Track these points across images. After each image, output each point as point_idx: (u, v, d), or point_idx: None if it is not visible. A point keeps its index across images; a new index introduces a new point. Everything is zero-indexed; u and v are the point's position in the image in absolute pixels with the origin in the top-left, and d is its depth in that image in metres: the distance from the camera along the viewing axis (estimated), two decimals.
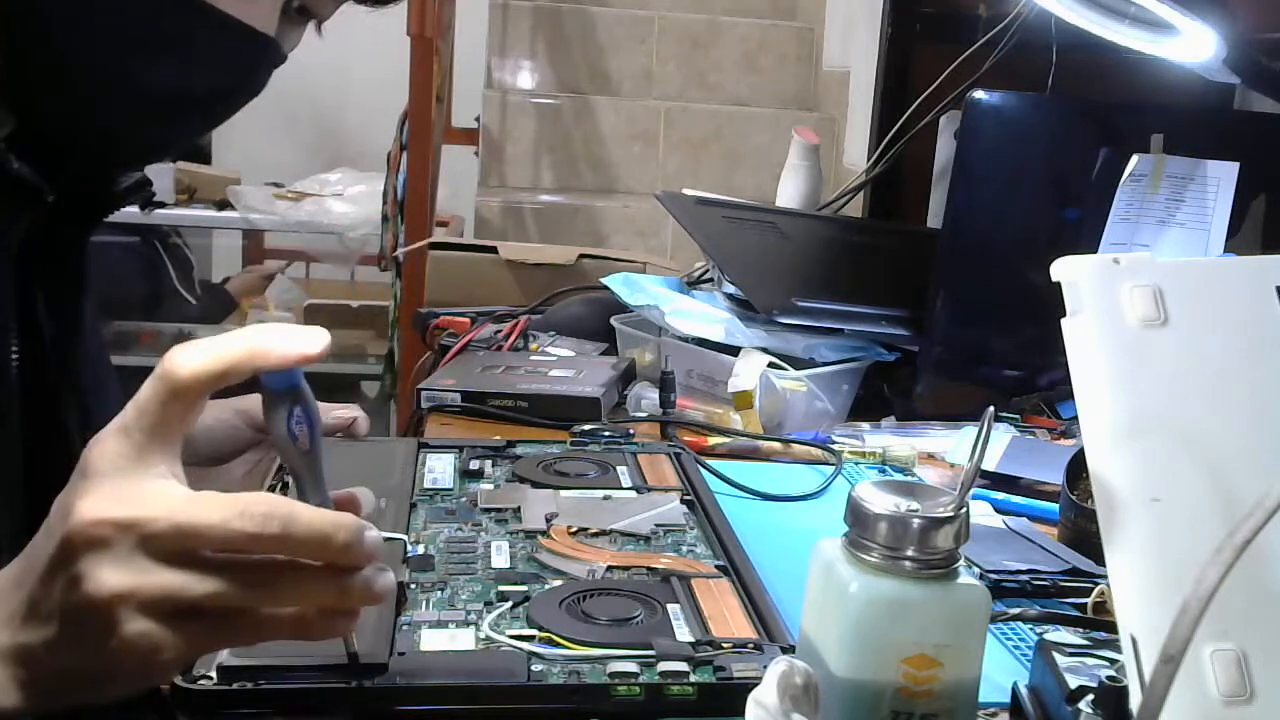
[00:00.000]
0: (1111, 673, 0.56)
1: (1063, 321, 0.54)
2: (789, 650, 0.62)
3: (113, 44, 0.66)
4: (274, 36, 0.70)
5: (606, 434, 1.01)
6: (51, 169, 0.70)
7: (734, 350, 1.16)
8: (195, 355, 0.51)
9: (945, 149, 1.49)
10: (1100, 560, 0.74)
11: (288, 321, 3.34)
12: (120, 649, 0.49)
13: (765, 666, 0.49)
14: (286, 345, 0.51)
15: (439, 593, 0.68)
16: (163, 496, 0.49)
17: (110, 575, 0.48)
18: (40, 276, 0.75)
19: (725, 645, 0.63)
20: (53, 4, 0.65)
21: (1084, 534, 0.86)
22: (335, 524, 0.50)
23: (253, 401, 0.95)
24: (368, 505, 0.57)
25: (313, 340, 0.51)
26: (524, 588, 0.69)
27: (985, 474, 1.01)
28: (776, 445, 1.08)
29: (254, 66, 0.71)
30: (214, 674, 0.57)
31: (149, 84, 0.68)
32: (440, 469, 0.90)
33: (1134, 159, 1.12)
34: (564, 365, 1.25)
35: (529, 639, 0.63)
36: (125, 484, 0.49)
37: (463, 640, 0.63)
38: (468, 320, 1.46)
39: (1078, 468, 0.90)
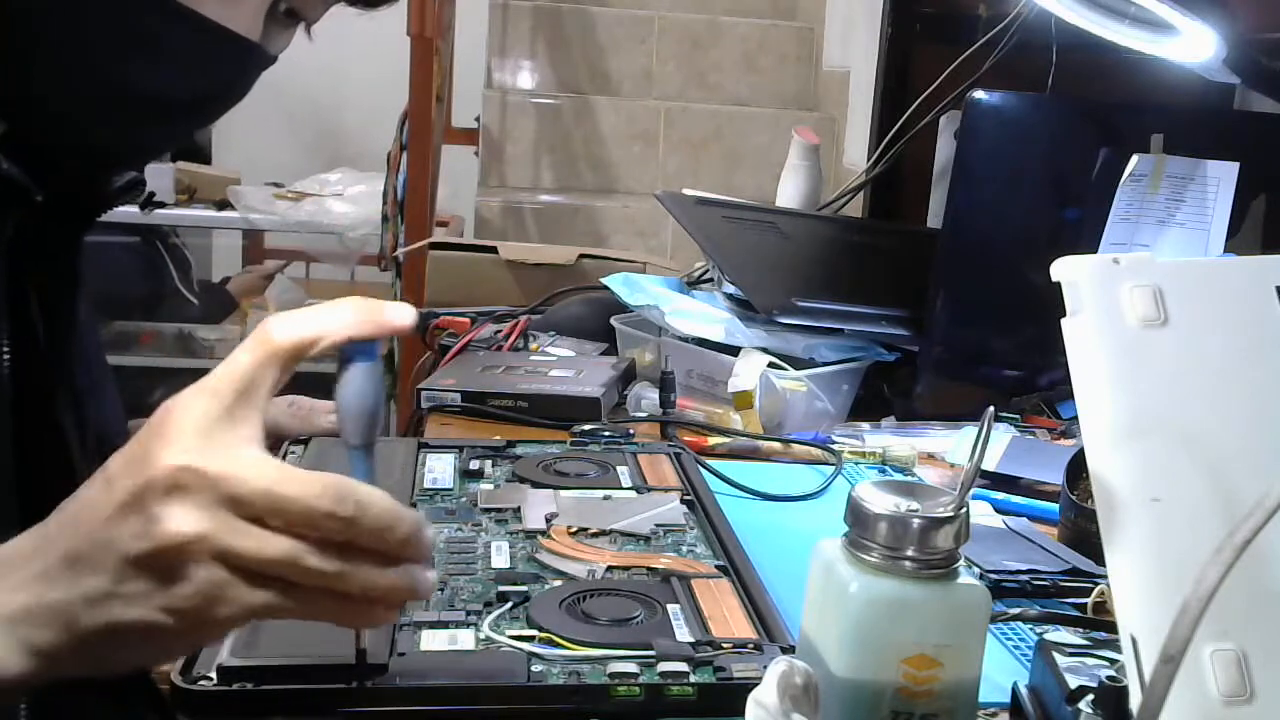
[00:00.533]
0: (1111, 673, 0.56)
1: (1063, 321, 0.54)
2: (789, 650, 0.62)
3: (96, 48, 0.66)
4: (258, 41, 0.70)
5: (606, 434, 1.01)
6: (42, 169, 0.70)
7: (734, 350, 1.15)
8: (291, 322, 0.53)
9: (945, 149, 1.49)
10: (1100, 560, 0.74)
11: None
12: (184, 595, 0.49)
13: (765, 666, 0.49)
14: (377, 315, 0.54)
15: (439, 593, 0.68)
16: (256, 462, 0.51)
17: (191, 518, 0.49)
18: (34, 276, 0.75)
19: (725, 645, 0.63)
20: (36, 8, 0.65)
21: (1084, 534, 0.86)
22: (400, 516, 0.51)
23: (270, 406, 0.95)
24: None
25: (402, 313, 0.54)
26: (524, 588, 0.69)
27: (985, 474, 1.01)
28: (776, 445, 1.08)
29: (237, 71, 0.71)
30: (214, 675, 0.57)
31: (132, 87, 0.68)
32: (440, 469, 0.90)
33: (1134, 159, 1.12)
34: (564, 365, 1.25)
35: (529, 639, 0.63)
36: (215, 440, 0.51)
37: (463, 640, 0.63)
38: (468, 320, 1.46)
39: (1078, 468, 0.90)
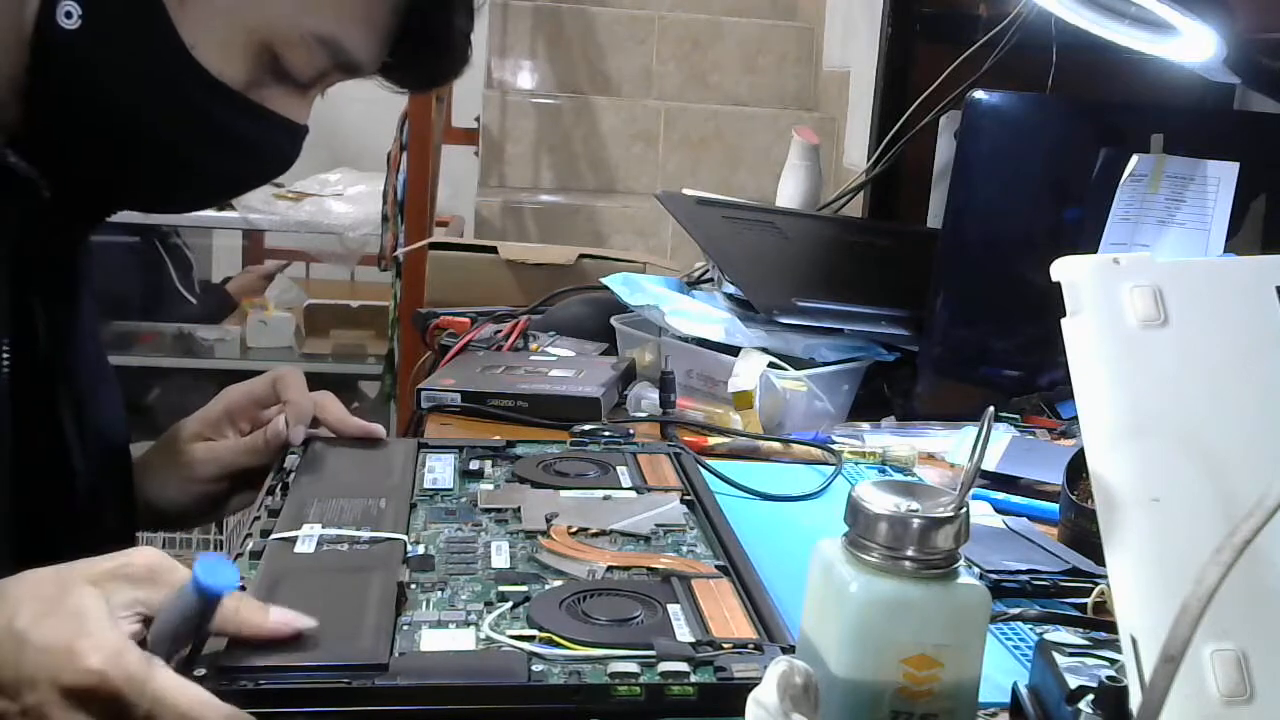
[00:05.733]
0: (1111, 673, 0.56)
1: (1063, 321, 0.54)
2: (789, 650, 0.62)
3: (179, 134, 0.72)
4: (304, 124, 0.79)
5: (606, 434, 1.00)
6: (53, 168, 0.70)
7: (734, 350, 1.15)
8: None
9: (945, 149, 1.49)
10: (1100, 560, 0.74)
11: (286, 322, 3.34)
12: None
13: (765, 666, 0.49)
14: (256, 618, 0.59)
15: (439, 593, 0.68)
16: (179, 684, 0.54)
17: None
18: (37, 277, 0.75)
19: (725, 645, 0.63)
20: (125, 97, 0.69)
21: (1084, 534, 0.86)
22: None
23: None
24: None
25: (286, 620, 0.59)
26: (524, 588, 0.69)
27: (985, 474, 1.01)
28: (776, 445, 1.08)
29: (292, 154, 0.80)
30: (214, 673, 0.57)
31: (202, 170, 0.75)
32: (440, 469, 0.90)
33: (1134, 159, 1.12)
34: (564, 365, 1.25)
35: (529, 639, 0.63)
36: (129, 650, 0.55)
37: (463, 640, 0.63)
38: (468, 320, 1.46)
39: (1078, 468, 0.90)
